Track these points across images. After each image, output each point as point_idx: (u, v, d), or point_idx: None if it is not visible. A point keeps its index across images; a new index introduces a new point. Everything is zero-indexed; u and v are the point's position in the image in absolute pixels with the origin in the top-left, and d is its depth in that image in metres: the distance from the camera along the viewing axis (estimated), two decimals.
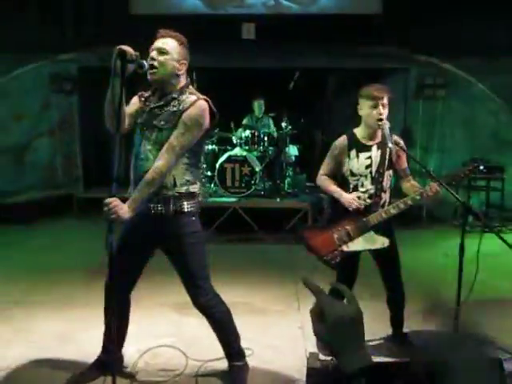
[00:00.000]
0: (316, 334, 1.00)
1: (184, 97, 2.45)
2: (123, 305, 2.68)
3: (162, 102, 2.47)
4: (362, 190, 2.90)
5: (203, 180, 6.65)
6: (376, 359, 2.93)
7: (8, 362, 2.91)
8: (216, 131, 6.47)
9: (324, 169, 3.02)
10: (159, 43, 2.43)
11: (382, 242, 2.88)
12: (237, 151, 6.36)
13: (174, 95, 2.46)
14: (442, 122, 7.17)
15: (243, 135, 6.52)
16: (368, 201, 2.89)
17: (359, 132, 2.95)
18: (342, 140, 2.95)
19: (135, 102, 2.58)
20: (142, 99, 2.56)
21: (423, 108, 7.20)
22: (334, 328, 0.91)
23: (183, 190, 2.48)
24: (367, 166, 2.90)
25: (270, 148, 6.62)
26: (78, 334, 3.25)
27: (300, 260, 4.54)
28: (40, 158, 7.22)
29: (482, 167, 6.17)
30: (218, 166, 6.26)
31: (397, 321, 3.17)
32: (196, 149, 2.52)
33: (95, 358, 2.75)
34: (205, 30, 6.67)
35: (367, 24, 6.75)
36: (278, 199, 6.38)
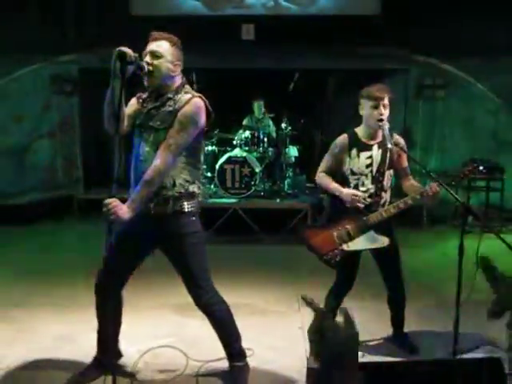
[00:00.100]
0: (311, 351, 1.01)
1: (179, 96, 2.46)
2: (116, 302, 2.68)
3: (158, 103, 2.48)
4: (362, 189, 2.91)
5: (203, 181, 6.66)
6: (377, 359, 2.95)
7: (8, 363, 2.91)
8: (216, 132, 6.48)
9: (323, 166, 3.02)
10: (153, 46, 2.43)
11: (382, 241, 2.89)
12: (237, 152, 6.37)
13: (170, 95, 2.47)
14: (442, 122, 7.18)
15: (243, 136, 6.53)
16: (368, 200, 2.89)
17: (360, 131, 2.95)
18: (343, 139, 2.96)
19: (133, 104, 2.59)
20: (140, 101, 2.57)
21: (423, 108, 7.21)
22: (331, 346, 0.91)
23: (183, 190, 2.49)
24: (368, 166, 2.91)
25: (270, 149, 6.62)
26: (78, 335, 3.25)
27: (300, 261, 4.55)
28: (40, 160, 7.23)
29: (481, 168, 6.17)
30: (217, 167, 6.26)
31: (397, 321, 3.17)
32: (194, 148, 2.52)
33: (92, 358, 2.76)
34: (204, 31, 6.68)
35: (366, 25, 6.76)
36: (278, 200, 6.38)
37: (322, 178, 3.00)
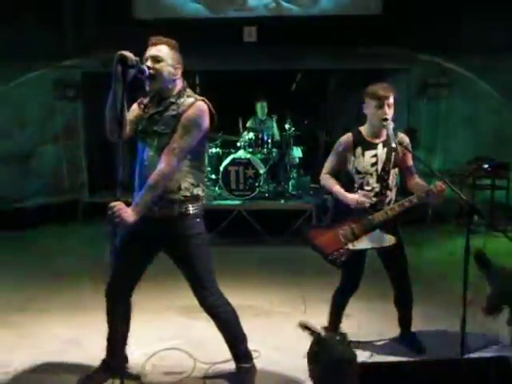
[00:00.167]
0: (310, 373, 1.01)
1: (182, 100, 2.47)
2: (125, 307, 2.69)
3: (161, 108, 2.49)
4: (367, 188, 2.90)
5: (208, 183, 6.67)
6: (384, 359, 2.93)
7: (13, 367, 2.91)
8: (220, 134, 6.49)
9: (327, 167, 3.00)
10: (153, 51, 2.44)
11: (388, 240, 2.88)
12: (241, 154, 6.37)
13: (172, 100, 2.47)
14: (446, 121, 7.15)
15: (247, 138, 6.53)
16: (374, 199, 2.88)
17: (364, 130, 2.95)
18: (347, 137, 2.95)
19: (135, 109, 2.59)
20: (142, 106, 2.57)
21: (426, 108, 7.19)
22: (329, 369, 0.91)
23: (188, 193, 2.50)
24: (373, 164, 2.89)
25: (274, 150, 6.62)
26: (83, 339, 3.26)
27: (305, 262, 4.55)
28: (45, 164, 7.26)
29: (486, 166, 6.15)
30: (222, 168, 6.27)
31: (405, 321, 3.16)
32: (198, 151, 2.53)
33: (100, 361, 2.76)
34: (206, 33, 6.70)
35: (368, 24, 6.75)
36: (283, 201, 6.38)
37: (326, 179, 2.98)
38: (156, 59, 2.42)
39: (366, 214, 2.87)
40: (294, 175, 6.83)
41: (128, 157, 3.02)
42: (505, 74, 6.70)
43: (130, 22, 6.90)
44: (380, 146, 2.91)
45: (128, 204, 2.38)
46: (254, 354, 2.81)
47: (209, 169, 6.71)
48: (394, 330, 3.23)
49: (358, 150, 2.90)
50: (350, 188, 2.93)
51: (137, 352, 2.97)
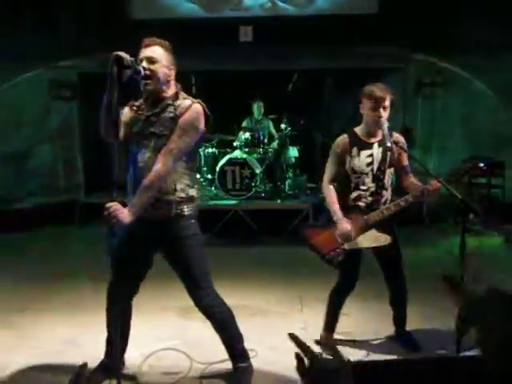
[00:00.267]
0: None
1: (179, 102, 2.48)
2: (126, 309, 2.70)
3: (157, 109, 2.49)
4: (363, 187, 2.91)
5: (204, 183, 6.67)
6: (380, 358, 2.94)
7: (11, 368, 2.92)
8: (216, 134, 6.49)
9: (328, 174, 2.97)
10: (147, 52, 2.45)
11: (383, 239, 2.89)
12: (237, 154, 6.38)
13: (169, 101, 2.48)
14: (441, 120, 7.18)
15: (243, 138, 6.54)
16: (369, 199, 2.90)
17: (360, 130, 2.95)
18: (343, 138, 2.95)
19: (127, 112, 2.58)
20: (134, 108, 2.57)
21: (422, 107, 7.21)
22: (319, 381, 0.91)
23: (184, 194, 2.52)
24: (368, 164, 2.90)
25: (270, 150, 6.63)
26: (82, 340, 3.26)
27: (302, 261, 4.56)
28: (41, 165, 7.24)
29: (482, 164, 6.17)
30: (218, 168, 6.27)
31: (399, 319, 3.17)
32: (193, 153, 2.57)
33: (99, 362, 2.76)
34: (202, 33, 6.70)
35: (364, 24, 6.77)
36: (279, 201, 6.38)
37: (329, 193, 2.94)
38: (151, 60, 2.43)
39: (362, 214, 2.88)
40: (291, 175, 6.84)
41: (125, 157, 3.03)
42: (500, 73, 6.72)
43: (126, 22, 6.89)
44: (375, 145, 2.92)
45: (124, 205, 2.39)
46: (251, 354, 2.82)
47: (205, 169, 6.72)
48: (389, 329, 3.24)
49: (354, 150, 2.91)
50: (346, 188, 2.94)
51: (134, 352, 2.97)
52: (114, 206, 2.31)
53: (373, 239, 2.90)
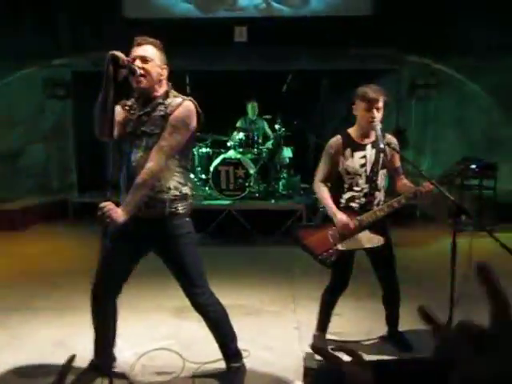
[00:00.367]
0: None
1: (169, 100, 2.48)
2: (112, 307, 2.69)
3: (148, 109, 2.49)
4: (356, 189, 2.92)
5: (198, 183, 6.67)
6: (372, 358, 2.96)
7: (2, 369, 2.90)
8: (210, 134, 6.50)
9: (320, 174, 2.99)
10: (140, 51, 2.44)
11: (376, 240, 2.90)
12: (231, 154, 6.38)
13: (160, 100, 2.48)
14: (435, 122, 7.22)
15: (237, 138, 6.54)
16: (363, 200, 2.91)
17: (353, 131, 2.96)
18: (336, 139, 2.96)
19: (120, 112, 2.57)
20: (126, 108, 2.57)
21: (415, 108, 7.26)
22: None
23: (177, 192, 2.52)
24: (362, 165, 2.92)
25: (264, 150, 6.64)
26: (74, 339, 3.24)
27: (295, 261, 4.57)
28: (34, 164, 7.22)
29: (474, 166, 6.21)
30: (212, 168, 6.27)
31: (392, 319, 3.19)
32: (186, 151, 2.56)
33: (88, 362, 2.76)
34: (197, 33, 6.71)
35: (359, 26, 6.80)
36: (273, 201, 6.40)
37: (320, 190, 2.95)
38: (145, 59, 2.43)
39: (355, 215, 2.89)
40: (285, 175, 6.85)
41: (118, 157, 3.03)
42: (493, 75, 6.78)
43: (121, 21, 6.89)
44: (369, 146, 2.93)
45: (118, 204, 2.38)
46: (244, 354, 2.82)
47: (199, 169, 6.72)
48: (382, 329, 3.26)
49: (348, 152, 2.92)
50: (339, 189, 2.96)
51: (127, 352, 2.97)
52: (108, 205, 2.31)
53: (366, 240, 2.92)
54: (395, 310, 3.16)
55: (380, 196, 2.96)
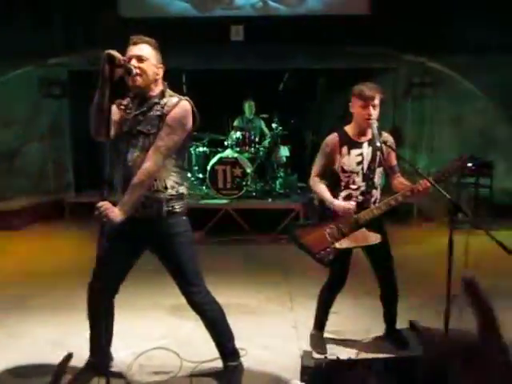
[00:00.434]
0: None
1: (165, 100, 2.47)
2: (109, 307, 2.69)
3: (144, 108, 2.48)
4: (353, 186, 2.93)
5: (195, 182, 6.67)
6: (370, 356, 2.97)
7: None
8: (207, 133, 6.50)
9: (316, 169, 3.01)
10: (136, 50, 2.43)
11: (374, 238, 2.91)
12: (228, 153, 6.38)
13: (156, 100, 2.48)
14: (431, 120, 7.24)
15: (234, 137, 6.54)
16: (360, 198, 2.92)
17: (350, 129, 2.97)
18: (333, 137, 2.96)
19: (115, 111, 2.56)
20: (122, 107, 2.56)
21: (412, 107, 7.27)
22: None
23: (174, 191, 2.52)
24: (358, 163, 2.92)
25: (261, 149, 6.64)
26: (70, 339, 3.24)
27: (292, 260, 4.57)
28: (30, 164, 7.19)
29: (470, 164, 6.22)
30: (209, 168, 6.27)
31: (389, 316, 3.20)
32: (182, 150, 2.56)
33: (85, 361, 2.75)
34: (194, 32, 6.70)
35: (355, 24, 6.80)
36: (270, 200, 6.40)
37: (316, 183, 2.98)
38: (141, 58, 2.42)
39: (352, 213, 2.90)
40: (282, 174, 6.86)
41: (115, 156, 3.02)
42: (489, 74, 6.79)
43: (117, 20, 6.87)
44: (365, 144, 2.94)
45: (114, 204, 2.38)
46: (241, 352, 2.82)
47: (196, 168, 6.72)
48: (380, 327, 3.26)
49: (344, 149, 2.93)
50: (336, 187, 2.96)
51: (124, 351, 2.97)
52: (105, 205, 2.31)
53: (363, 238, 2.92)
54: (393, 308, 3.17)
55: (377, 194, 2.97)
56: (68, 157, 7.43)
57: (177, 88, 2.62)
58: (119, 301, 2.73)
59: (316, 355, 2.84)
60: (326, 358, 2.81)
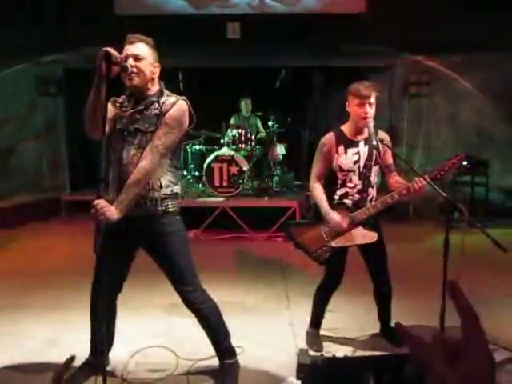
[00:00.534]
0: None
1: (163, 99, 2.48)
2: (110, 307, 2.69)
3: (141, 107, 2.48)
4: (349, 185, 2.93)
5: (191, 180, 6.66)
6: (365, 354, 2.97)
7: None
8: (203, 131, 6.49)
9: (316, 173, 2.98)
10: (133, 49, 2.43)
11: (370, 236, 2.91)
12: (224, 151, 6.37)
13: (153, 98, 2.48)
14: (427, 119, 7.25)
15: (230, 135, 6.54)
16: (356, 196, 2.92)
17: (347, 128, 2.97)
18: (330, 136, 2.96)
19: (110, 109, 2.55)
20: (117, 105, 2.55)
21: (408, 105, 7.28)
22: None
23: (168, 191, 2.53)
24: (355, 162, 2.92)
25: (258, 147, 6.64)
26: (66, 337, 3.24)
27: (289, 258, 4.58)
28: (26, 162, 7.16)
29: (466, 163, 6.25)
30: (205, 165, 6.26)
31: (384, 315, 3.21)
32: (177, 150, 2.57)
33: (84, 360, 2.75)
34: (190, 30, 6.68)
35: (352, 22, 6.80)
36: (266, 198, 6.40)
37: (316, 190, 2.95)
38: (137, 57, 2.42)
39: (348, 212, 2.90)
40: (278, 172, 6.86)
41: (110, 154, 3.01)
42: (486, 73, 6.81)
43: (113, 18, 6.84)
44: (362, 143, 2.94)
45: (110, 202, 2.38)
46: (238, 350, 2.83)
47: (192, 166, 6.71)
48: (375, 325, 3.27)
49: (341, 148, 2.93)
50: (333, 185, 2.96)
51: (120, 349, 2.96)
52: (101, 203, 2.30)
53: (359, 237, 2.93)
54: (387, 306, 3.18)
55: (373, 192, 2.98)
56: (64, 155, 7.41)
57: (173, 86, 2.62)
58: None
59: (312, 353, 2.85)
60: (322, 355, 2.81)
